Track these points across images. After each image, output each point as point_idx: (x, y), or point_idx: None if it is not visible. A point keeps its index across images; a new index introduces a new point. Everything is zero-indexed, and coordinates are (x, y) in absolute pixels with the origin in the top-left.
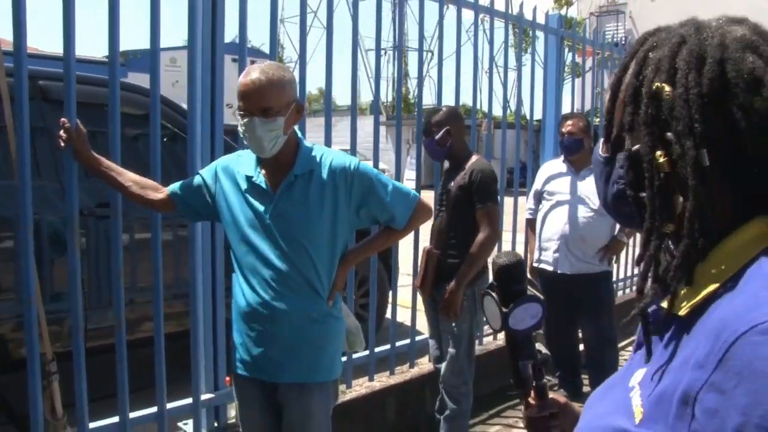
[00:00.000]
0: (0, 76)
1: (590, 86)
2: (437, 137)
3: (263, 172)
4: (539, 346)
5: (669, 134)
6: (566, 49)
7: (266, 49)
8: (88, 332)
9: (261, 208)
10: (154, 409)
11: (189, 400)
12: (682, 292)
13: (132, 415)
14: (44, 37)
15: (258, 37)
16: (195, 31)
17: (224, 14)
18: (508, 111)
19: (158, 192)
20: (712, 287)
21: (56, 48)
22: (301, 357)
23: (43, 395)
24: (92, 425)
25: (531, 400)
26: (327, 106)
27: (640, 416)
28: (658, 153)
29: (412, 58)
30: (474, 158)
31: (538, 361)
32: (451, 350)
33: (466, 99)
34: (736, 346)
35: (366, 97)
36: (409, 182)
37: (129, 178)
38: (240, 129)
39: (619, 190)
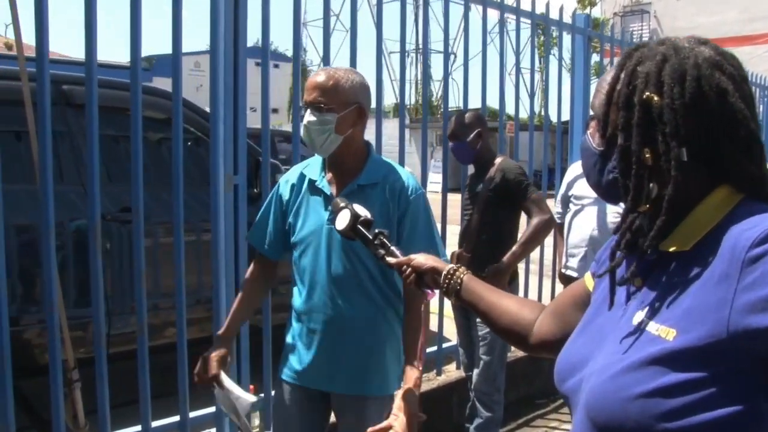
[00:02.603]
0: (23, 82)
1: None
2: (469, 139)
3: (327, 176)
4: (357, 208)
5: (658, 135)
6: (591, 51)
7: (291, 53)
8: (112, 338)
9: (321, 212)
10: (176, 418)
11: (212, 409)
12: (672, 238)
13: (154, 424)
14: (71, 43)
15: (282, 40)
16: (217, 34)
17: (246, 17)
18: (535, 113)
19: (259, 274)
20: (707, 230)
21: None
22: (355, 366)
23: (65, 403)
24: None
25: (390, 259)
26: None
27: (673, 333)
28: (646, 150)
29: (436, 61)
30: (499, 159)
31: (362, 221)
32: (484, 357)
33: (492, 101)
34: (748, 256)
35: (389, 99)
36: (433, 185)
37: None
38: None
39: (614, 177)
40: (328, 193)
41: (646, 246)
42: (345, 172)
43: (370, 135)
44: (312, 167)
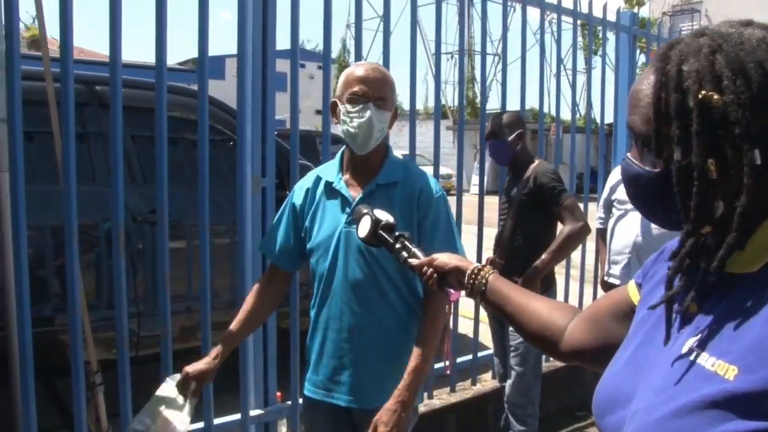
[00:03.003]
0: (48, 82)
1: None
2: (510, 139)
3: (345, 177)
4: (378, 213)
5: (723, 140)
6: (637, 51)
7: (334, 54)
8: (141, 339)
9: (339, 214)
10: (201, 425)
11: (237, 416)
12: (738, 256)
13: None
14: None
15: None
16: (245, 36)
17: (275, 18)
18: (578, 115)
19: (268, 283)
20: None
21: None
22: (374, 378)
23: (87, 406)
24: None
25: (413, 261)
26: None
27: (735, 371)
28: (710, 161)
29: (479, 62)
30: (536, 162)
31: (384, 225)
32: (516, 368)
33: (532, 102)
34: None
35: (432, 101)
36: (476, 187)
37: None
38: (345, 118)
39: (676, 202)
40: (346, 194)
41: (714, 267)
42: (365, 172)
43: (403, 136)
44: (328, 170)
